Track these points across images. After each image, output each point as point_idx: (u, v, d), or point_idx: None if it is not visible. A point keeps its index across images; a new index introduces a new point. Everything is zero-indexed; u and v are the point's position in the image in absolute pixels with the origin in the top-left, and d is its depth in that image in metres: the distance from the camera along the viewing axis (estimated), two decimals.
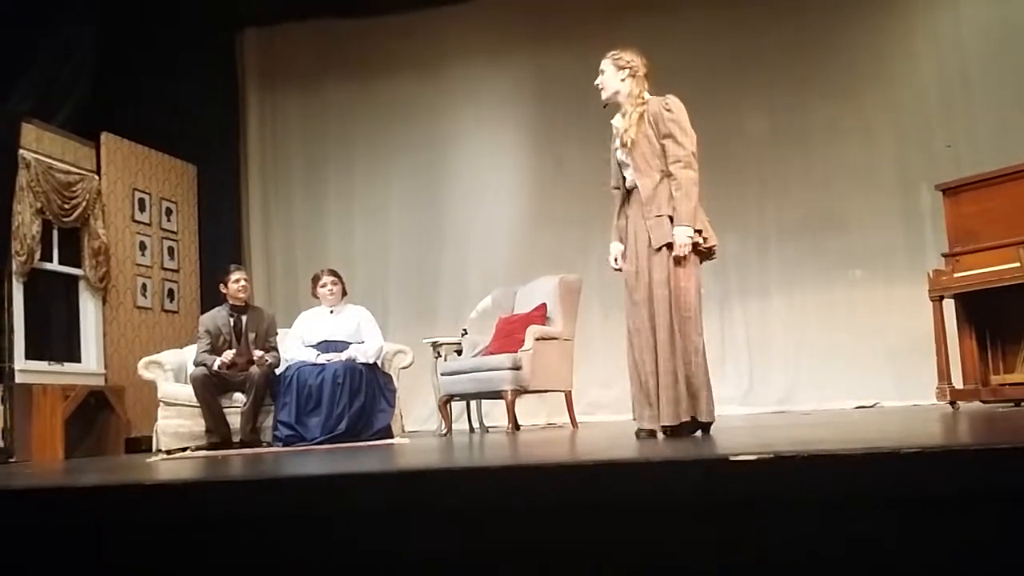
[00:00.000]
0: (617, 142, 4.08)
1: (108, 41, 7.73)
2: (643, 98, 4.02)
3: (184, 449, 5.97)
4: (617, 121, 4.11)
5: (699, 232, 3.84)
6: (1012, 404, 5.43)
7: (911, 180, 7.45)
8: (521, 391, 6.17)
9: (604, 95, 4.11)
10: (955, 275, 5.57)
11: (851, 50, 7.71)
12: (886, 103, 7.67)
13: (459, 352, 7.03)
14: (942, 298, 5.64)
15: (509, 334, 6.39)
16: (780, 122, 7.89)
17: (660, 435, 3.79)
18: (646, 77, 4.06)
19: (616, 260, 4.10)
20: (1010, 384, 5.49)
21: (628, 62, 4.04)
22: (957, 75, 7.42)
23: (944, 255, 5.80)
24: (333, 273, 6.54)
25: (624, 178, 4.09)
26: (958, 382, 5.63)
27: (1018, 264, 5.03)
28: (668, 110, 3.94)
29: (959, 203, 5.79)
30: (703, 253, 3.94)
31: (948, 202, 5.86)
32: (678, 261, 3.80)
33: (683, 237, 3.80)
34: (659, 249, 3.85)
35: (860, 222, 7.61)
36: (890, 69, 7.69)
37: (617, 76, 4.05)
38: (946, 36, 7.51)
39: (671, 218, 3.85)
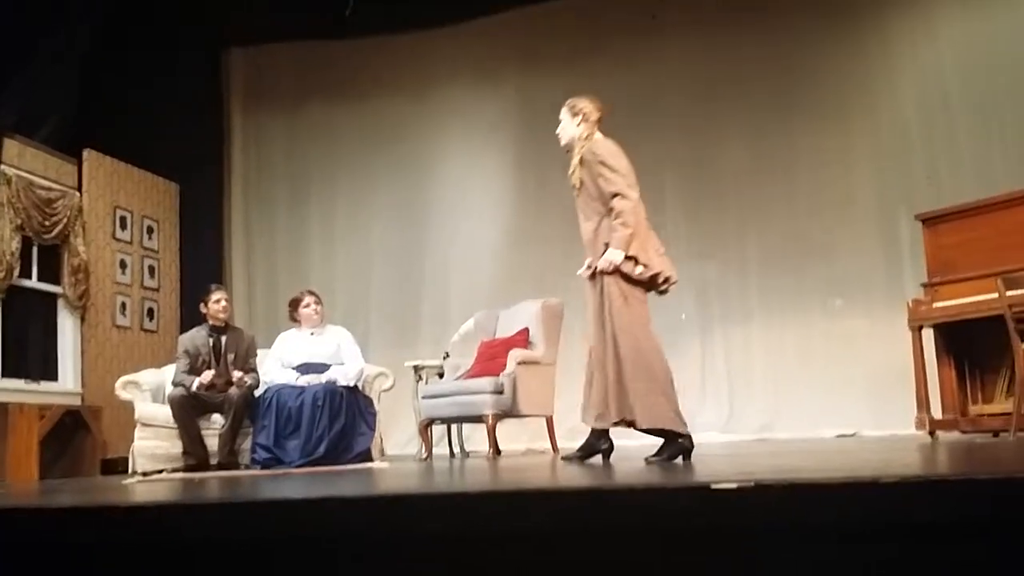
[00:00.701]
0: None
1: (93, 58, 7.71)
2: (589, 140, 4.16)
3: (161, 471, 5.89)
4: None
5: (633, 260, 3.92)
6: (991, 434, 5.45)
7: (891, 209, 7.48)
8: (502, 415, 6.15)
9: (562, 142, 4.29)
10: (934, 305, 5.61)
11: (833, 78, 7.76)
12: (868, 131, 7.72)
13: (441, 375, 7.01)
14: (921, 328, 5.67)
15: (491, 358, 6.38)
16: (762, 149, 7.92)
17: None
18: (598, 122, 4.21)
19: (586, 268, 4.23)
20: (988, 415, 5.52)
21: (581, 108, 4.20)
22: (939, 104, 7.46)
23: (923, 285, 5.84)
24: (313, 294, 6.53)
25: None
26: (937, 412, 5.66)
27: (996, 295, 5.07)
28: (593, 152, 4.09)
29: (938, 233, 5.84)
30: (641, 282, 4.00)
31: (927, 232, 5.91)
32: (608, 281, 3.93)
33: (610, 256, 3.93)
34: (592, 276, 4.06)
35: (841, 250, 7.64)
36: (871, 98, 7.74)
37: (572, 122, 4.22)
38: (928, 66, 7.56)
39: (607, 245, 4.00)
